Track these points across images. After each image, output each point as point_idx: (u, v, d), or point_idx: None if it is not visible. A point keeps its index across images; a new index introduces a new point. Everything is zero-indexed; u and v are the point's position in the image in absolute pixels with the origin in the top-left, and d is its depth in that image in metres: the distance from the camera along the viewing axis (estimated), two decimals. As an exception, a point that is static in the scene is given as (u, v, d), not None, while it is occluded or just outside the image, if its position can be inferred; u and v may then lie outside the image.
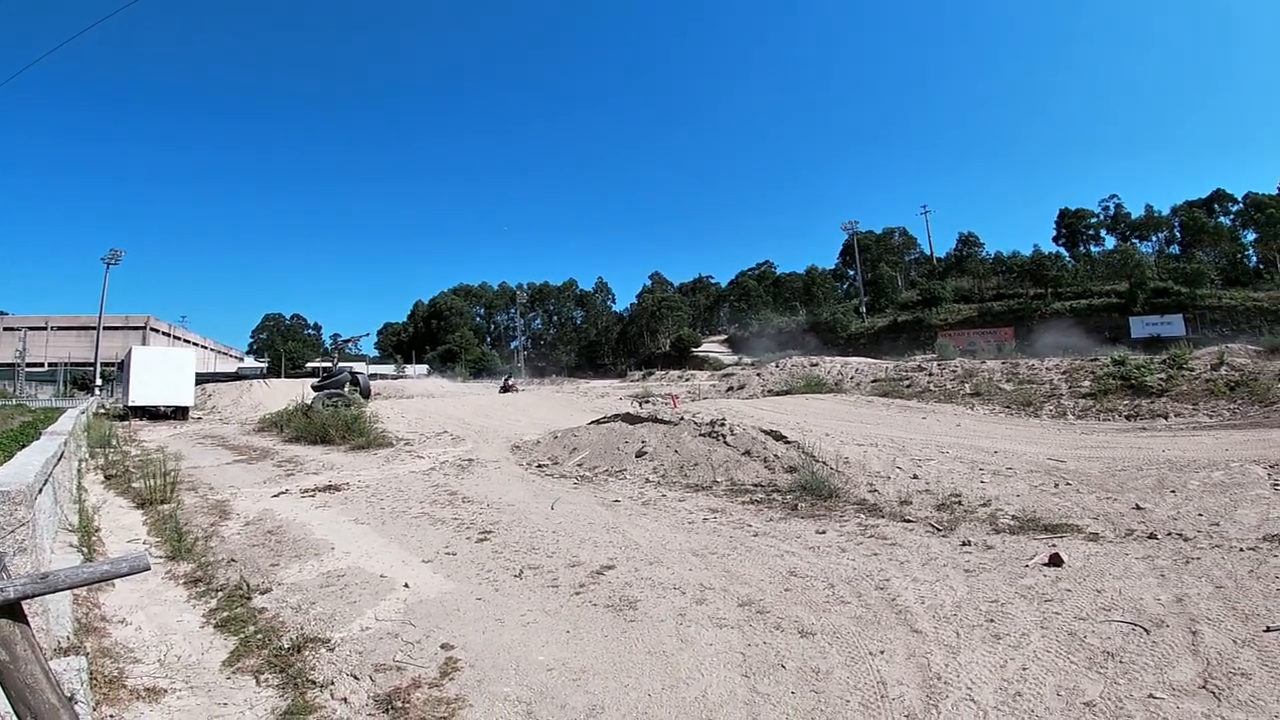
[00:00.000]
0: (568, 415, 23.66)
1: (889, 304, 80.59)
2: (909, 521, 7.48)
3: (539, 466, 12.57)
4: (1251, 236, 71.52)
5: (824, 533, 7.15)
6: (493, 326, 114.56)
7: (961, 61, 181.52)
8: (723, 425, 12.18)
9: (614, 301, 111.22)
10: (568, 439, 14.33)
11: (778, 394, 28.47)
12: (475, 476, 11.55)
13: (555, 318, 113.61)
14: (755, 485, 9.80)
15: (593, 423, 15.54)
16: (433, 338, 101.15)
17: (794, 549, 6.56)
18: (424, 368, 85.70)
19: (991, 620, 4.52)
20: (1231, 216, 74.40)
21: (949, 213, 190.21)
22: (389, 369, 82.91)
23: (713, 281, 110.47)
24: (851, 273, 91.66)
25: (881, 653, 4.11)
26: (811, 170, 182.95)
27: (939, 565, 5.82)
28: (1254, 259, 70.80)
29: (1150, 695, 3.43)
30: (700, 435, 12.11)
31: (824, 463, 9.84)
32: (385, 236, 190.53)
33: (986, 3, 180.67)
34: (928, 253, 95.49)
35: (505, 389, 50.64)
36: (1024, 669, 3.81)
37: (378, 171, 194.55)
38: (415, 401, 31.72)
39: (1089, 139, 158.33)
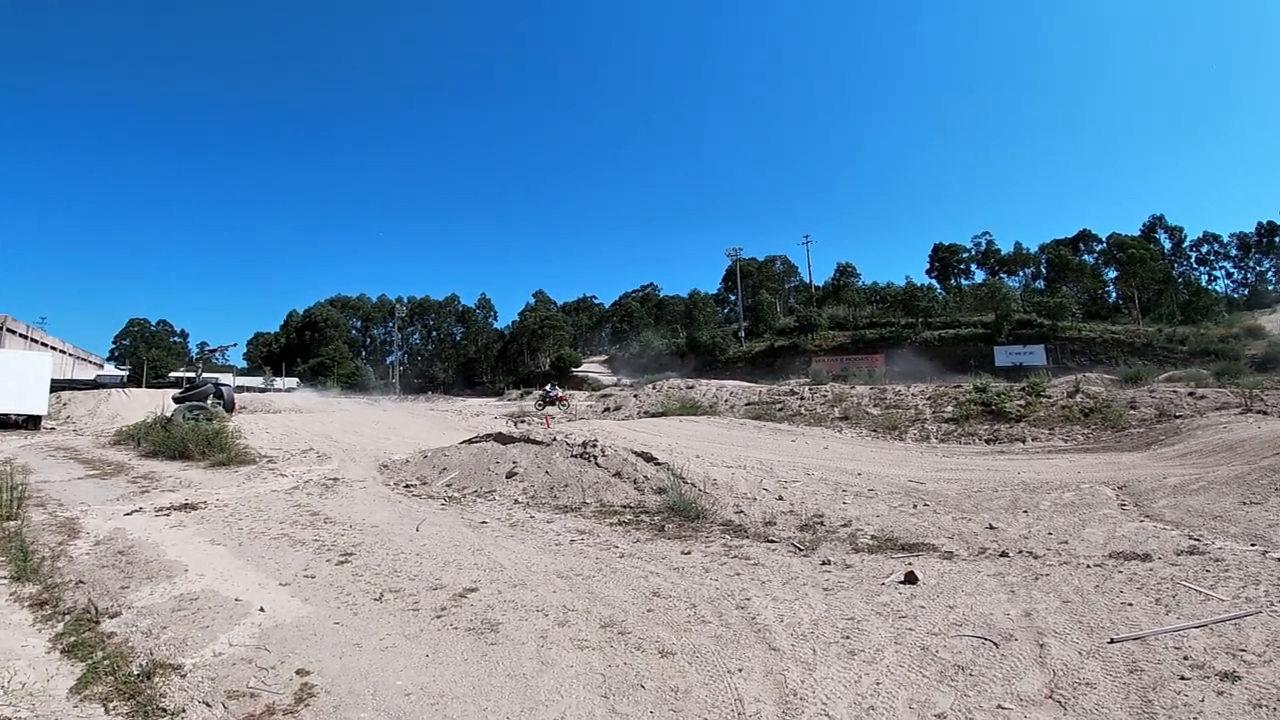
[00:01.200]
0: (440, 434, 23.11)
1: (768, 329, 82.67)
2: (772, 542, 7.59)
3: (406, 487, 12.17)
4: (1113, 274, 77.62)
5: (689, 553, 7.16)
6: (369, 340, 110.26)
7: (850, 100, 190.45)
8: (595, 446, 12.12)
9: (496, 319, 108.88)
10: (438, 458, 13.94)
11: (654, 415, 28.73)
12: (340, 496, 11.07)
13: (435, 333, 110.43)
14: (624, 506, 9.76)
15: (464, 442, 15.17)
16: (305, 350, 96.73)
17: (659, 570, 6.54)
18: (294, 381, 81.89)
19: (847, 637, 4.61)
20: (1095, 255, 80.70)
21: (830, 244, 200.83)
22: (257, 381, 79.01)
23: (597, 302, 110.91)
24: (733, 298, 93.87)
25: (740, 670, 4.13)
26: (699, 197, 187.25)
27: (799, 584, 5.90)
28: (1114, 295, 76.89)
29: (999, 706, 3.55)
30: (572, 456, 12.00)
31: (692, 484, 9.91)
32: (262, 243, 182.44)
33: (876, 47, 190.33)
34: (807, 281, 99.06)
35: (548, 402, 41.30)
36: (878, 684, 3.88)
37: (256, 179, 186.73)
38: (282, 416, 30.35)
39: (965, 178, 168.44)
